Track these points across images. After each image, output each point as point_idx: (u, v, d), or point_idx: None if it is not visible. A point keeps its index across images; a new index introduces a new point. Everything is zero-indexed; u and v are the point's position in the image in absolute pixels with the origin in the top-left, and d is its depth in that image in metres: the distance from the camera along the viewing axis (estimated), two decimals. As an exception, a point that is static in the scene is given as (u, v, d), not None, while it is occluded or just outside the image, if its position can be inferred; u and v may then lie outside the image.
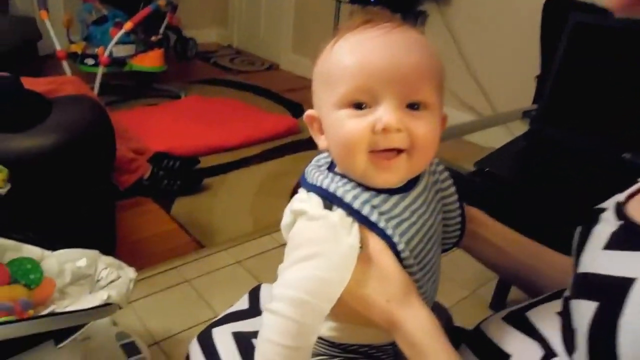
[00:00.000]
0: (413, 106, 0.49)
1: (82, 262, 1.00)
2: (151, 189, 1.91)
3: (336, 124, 0.50)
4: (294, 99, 3.09)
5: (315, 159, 0.59)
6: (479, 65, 2.61)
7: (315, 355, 0.61)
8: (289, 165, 2.28)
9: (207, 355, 0.67)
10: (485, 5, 2.53)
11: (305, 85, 2.75)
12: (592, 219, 0.50)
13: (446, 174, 0.60)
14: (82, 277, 1.00)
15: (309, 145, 2.56)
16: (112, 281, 0.97)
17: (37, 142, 1.11)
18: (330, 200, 0.51)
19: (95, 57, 2.67)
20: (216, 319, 0.73)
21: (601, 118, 1.01)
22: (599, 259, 0.45)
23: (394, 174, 0.50)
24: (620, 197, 0.50)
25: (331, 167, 0.56)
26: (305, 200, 0.53)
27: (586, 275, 0.45)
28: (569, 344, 0.45)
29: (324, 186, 0.52)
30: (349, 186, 0.52)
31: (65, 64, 2.59)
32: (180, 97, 2.94)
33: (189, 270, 1.54)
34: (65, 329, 0.93)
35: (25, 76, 1.44)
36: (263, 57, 3.94)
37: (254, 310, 0.73)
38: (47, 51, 3.09)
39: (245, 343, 0.65)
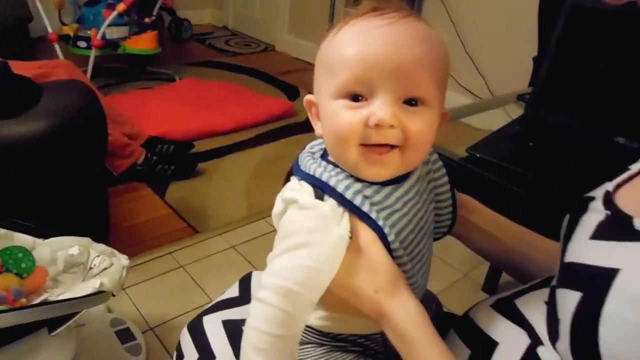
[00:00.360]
0: (411, 102, 0.48)
1: (74, 250, 1.00)
2: (145, 174, 1.90)
3: (331, 114, 0.50)
4: (289, 82, 3.06)
5: (309, 145, 0.59)
6: (476, 47, 2.59)
7: (303, 343, 0.61)
8: (284, 148, 2.27)
9: (198, 343, 0.67)
10: (483, -14, 2.49)
11: (301, 67, 2.72)
12: (581, 207, 0.50)
13: (439, 163, 0.60)
14: (74, 265, 1.00)
15: (305, 128, 2.55)
16: (104, 269, 0.97)
17: (26, 128, 1.10)
18: (322, 189, 0.51)
19: (87, 39, 2.63)
20: (207, 307, 0.73)
21: (596, 102, 1.00)
22: (585, 248, 0.45)
23: (385, 169, 0.50)
24: (609, 186, 0.49)
25: (325, 154, 0.56)
26: (296, 189, 0.52)
27: (572, 265, 0.45)
28: (553, 333, 0.45)
29: (317, 175, 0.52)
30: (341, 176, 0.52)
31: (57, 47, 2.55)
32: (174, 80, 2.91)
33: (183, 256, 1.54)
34: (58, 317, 0.93)
35: (16, 58, 1.42)
36: (259, 39, 3.90)
37: (244, 298, 0.73)
38: (38, 33, 3.05)
39: (235, 331, 0.66)
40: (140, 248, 1.54)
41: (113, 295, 0.93)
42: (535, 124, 1.05)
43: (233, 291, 0.75)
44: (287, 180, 0.55)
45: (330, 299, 0.52)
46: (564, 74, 1.03)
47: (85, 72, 2.43)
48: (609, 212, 0.45)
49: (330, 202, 0.50)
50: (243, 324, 0.51)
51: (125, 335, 1.20)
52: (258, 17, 3.87)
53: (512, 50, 2.39)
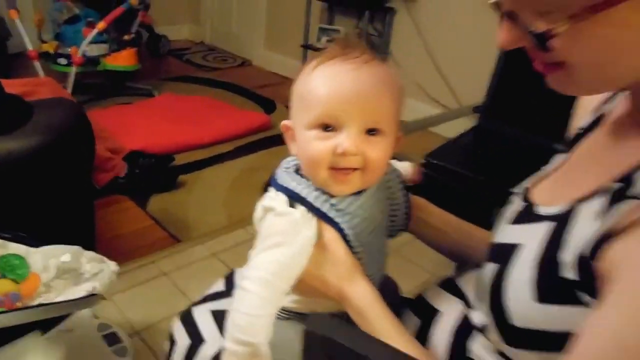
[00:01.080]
0: (371, 131, 0.59)
1: (65, 258, 1.06)
2: (127, 187, 1.97)
3: (305, 142, 0.61)
4: (266, 95, 3.16)
5: (284, 161, 0.69)
6: (444, 60, 2.72)
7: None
8: (261, 160, 2.36)
9: (189, 330, 0.77)
10: (450, 2, 2.63)
11: (277, 81, 2.81)
12: (507, 201, 0.62)
13: (396, 173, 0.71)
14: (66, 271, 1.06)
15: (281, 141, 2.60)
16: (95, 274, 1.04)
17: (19, 145, 1.17)
18: (295, 199, 0.62)
19: (68, 56, 2.69)
20: (196, 300, 0.82)
21: (537, 112, 1.12)
22: (503, 231, 0.57)
23: (349, 186, 0.61)
24: (527, 182, 0.61)
25: (297, 169, 0.67)
26: (274, 199, 0.63)
27: (494, 244, 0.57)
28: (480, 298, 0.57)
29: (290, 187, 0.63)
30: (311, 187, 0.63)
31: (37, 64, 2.60)
32: (153, 95, 2.98)
33: (166, 264, 1.61)
34: (51, 320, 1.00)
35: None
36: (235, 54, 3.99)
37: (229, 291, 0.83)
38: (16, 50, 3.08)
39: (222, 319, 0.75)
40: (124, 258, 1.60)
41: (104, 299, 1.01)
42: (486, 133, 1.17)
43: (219, 286, 0.85)
44: (265, 190, 0.66)
45: (303, 286, 0.62)
46: (510, 87, 1.15)
47: (65, 88, 2.49)
48: (524, 203, 0.57)
49: (300, 210, 0.62)
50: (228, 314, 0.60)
51: (112, 339, 1.26)
52: (235, 33, 3.97)
53: (479, 62, 2.52)
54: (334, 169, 0.59)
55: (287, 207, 0.61)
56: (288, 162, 0.69)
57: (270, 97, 3.13)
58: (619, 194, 0.42)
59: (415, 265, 1.68)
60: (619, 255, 0.39)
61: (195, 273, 1.59)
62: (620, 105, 0.53)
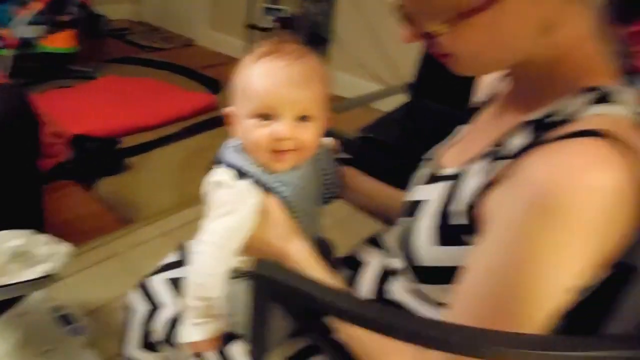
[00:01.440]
0: (303, 118, 0.69)
1: (18, 242, 1.09)
2: (73, 172, 1.96)
3: (247, 129, 0.71)
4: (211, 75, 3.16)
5: (228, 142, 0.78)
6: (386, 38, 2.80)
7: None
8: (208, 141, 2.39)
9: (148, 297, 0.86)
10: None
11: (222, 61, 2.82)
12: (421, 166, 0.73)
13: (325, 147, 0.81)
14: (19, 255, 1.09)
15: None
16: (49, 256, 1.07)
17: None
18: (240, 172, 0.71)
19: (-1, 38, 2.59)
20: (151, 271, 0.89)
21: (459, 89, 1.23)
22: (415, 191, 0.68)
23: (286, 164, 0.72)
24: (439, 148, 0.73)
25: (241, 147, 0.75)
26: (222, 174, 0.72)
27: (408, 202, 0.68)
28: (397, 247, 0.68)
29: (236, 163, 0.72)
30: (255, 163, 0.72)
31: (-34, 47, 2.50)
32: (94, 78, 2.92)
33: (117, 245, 1.65)
34: (5, 304, 1.03)
35: None
36: (178, 33, 3.94)
37: (181, 262, 0.92)
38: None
39: (177, 285, 0.84)
40: (74, 241, 1.57)
41: (60, 279, 1.05)
42: (417, 109, 1.28)
43: (172, 257, 0.92)
44: (211, 168, 0.73)
45: (249, 248, 0.72)
46: (435, 67, 1.25)
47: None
48: (431, 167, 0.69)
49: (245, 182, 0.71)
50: (183, 280, 0.68)
51: (67, 319, 1.30)
52: (177, 12, 3.91)
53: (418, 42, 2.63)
54: (273, 151, 0.69)
55: (234, 180, 0.71)
56: (231, 142, 0.77)
57: (215, 77, 3.13)
58: (494, 155, 0.54)
59: (356, 236, 1.79)
60: (491, 203, 0.51)
61: (147, 252, 1.63)
62: (505, 85, 0.64)
